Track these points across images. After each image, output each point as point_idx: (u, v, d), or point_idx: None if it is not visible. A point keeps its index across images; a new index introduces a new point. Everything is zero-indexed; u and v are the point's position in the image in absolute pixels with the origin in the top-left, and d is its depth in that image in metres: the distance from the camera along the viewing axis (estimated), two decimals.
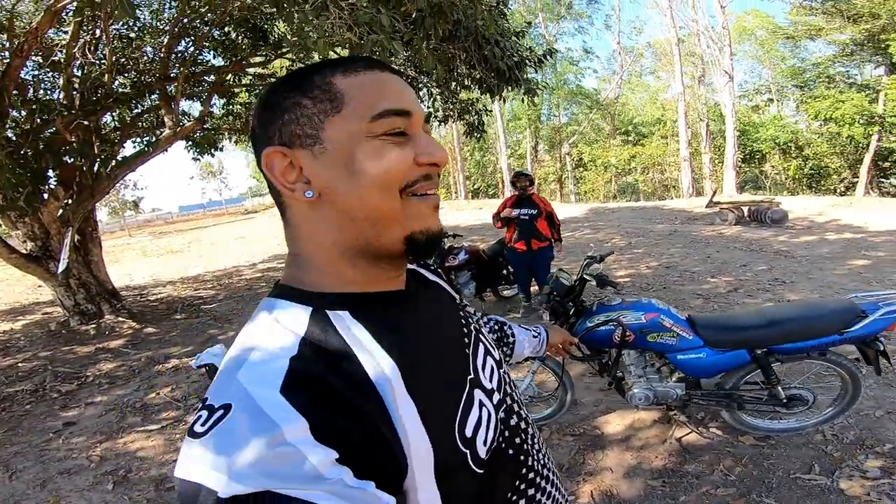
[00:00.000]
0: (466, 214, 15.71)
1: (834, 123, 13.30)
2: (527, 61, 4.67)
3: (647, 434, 2.68)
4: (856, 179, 15.62)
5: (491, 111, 6.36)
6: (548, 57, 5.02)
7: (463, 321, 0.65)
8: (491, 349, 0.67)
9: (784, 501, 2.08)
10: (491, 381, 0.62)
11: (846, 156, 16.08)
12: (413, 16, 3.12)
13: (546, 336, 1.23)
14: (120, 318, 5.69)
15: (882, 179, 15.32)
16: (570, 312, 2.53)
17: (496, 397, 0.61)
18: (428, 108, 7.36)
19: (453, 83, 5.32)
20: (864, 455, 2.32)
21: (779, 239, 8.76)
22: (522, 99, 5.30)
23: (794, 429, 2.47)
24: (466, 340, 0.62)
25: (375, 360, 0.47)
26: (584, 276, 2.61)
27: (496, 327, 1.10)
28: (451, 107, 6.32)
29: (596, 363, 2.57)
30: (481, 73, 4.35)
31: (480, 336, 0.66)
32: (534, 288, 5.13)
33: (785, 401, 2.35)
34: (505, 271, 5.38)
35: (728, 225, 10.59)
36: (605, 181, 20.77)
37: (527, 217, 4.60)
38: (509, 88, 4.80)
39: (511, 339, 1.10)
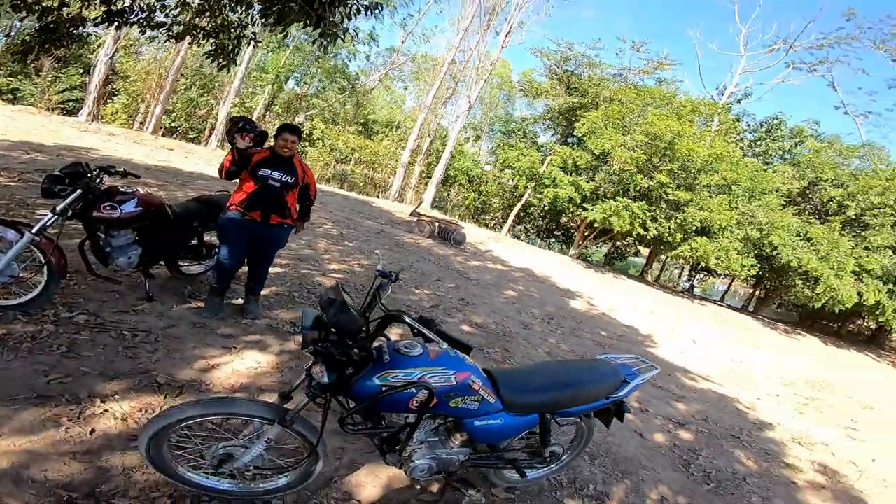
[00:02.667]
0: (147, 151, 12.23)
1: (511, 171, 17.06)
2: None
3: (407, 496, 2.23)
4: (503, 221, 20.55)
5: (261, 42, 4.76)
6: (379, 8, 4.03)
7: None
8: None
9: None
10: None
11: (504, 199, 21.03)
12: None
13: None
14: None
15: (516, 225, 20.61)
16: (351, 360, 1.69)
17: None
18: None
19: None
20: (582, 500, 2.54)
21: (458, 259, 10.28)
22: (315, 41, 4.02)
23: (539, 477, 2.47)
24: None
25: None
26: (384, 306, 1.80)
27: None
28: (203, 19, 4.45)
29: (377, 437, 1.91)
30: None
31: None
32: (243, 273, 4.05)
33: (548, 457, 2.31)
34: (195, 241, 3.96)
35: (423, 236, 11.83)
36: (325, 163, 20.36)
37: (278, 184, 3.47)
38: (303, 24, 3.60)
39: None
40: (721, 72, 44.15)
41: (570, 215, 17.26)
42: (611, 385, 2.23)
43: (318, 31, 3.76)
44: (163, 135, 18.20)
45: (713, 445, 3.83)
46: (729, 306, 18.44)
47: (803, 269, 14.03)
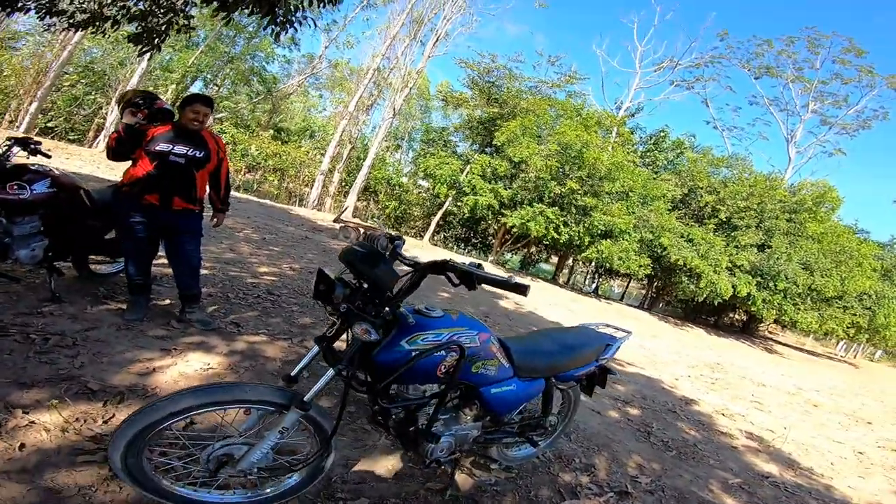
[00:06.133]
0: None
1: (432, 180, 17.14)
2: None
3: (414, 486, 2.08)
4: (423, 230, 20.62)
5: (193, 18, 3.95)
6: None
7: None
8: None
9: None
10: None
11: (424, 208, 21.10)
12: None
13: None
14: None
15: (436, 234, 20.81)
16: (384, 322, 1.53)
17: None
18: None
19: None
20: (574, 473, 2.57)
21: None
22: (266, 26, 3.49)
23: (532, 454, 2.40)
24: None
25: None
26: (411, 261, 1.62)
27: None
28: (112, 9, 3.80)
29: (394, 417, 1.68)
30: None
31: None
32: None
33: (548, 427, 2.26)
34: (111, 234, 3.40)
35: (350, 242, 11.52)
36: (236, 169, 18.85)
37: (183, 160, 2.90)
38: (250, 10, 3.20)
39: None
40: (620, 87, 48.07)
41: (490, 222, 17.76)
42: (599, 348, 2.27)
43: (269, 18, 3.35)
44: (37, 134, 15.65)
45: (658, 419, 4.13)
46: (629, 304, 20.23)
47: (688, 266, 15.86)
